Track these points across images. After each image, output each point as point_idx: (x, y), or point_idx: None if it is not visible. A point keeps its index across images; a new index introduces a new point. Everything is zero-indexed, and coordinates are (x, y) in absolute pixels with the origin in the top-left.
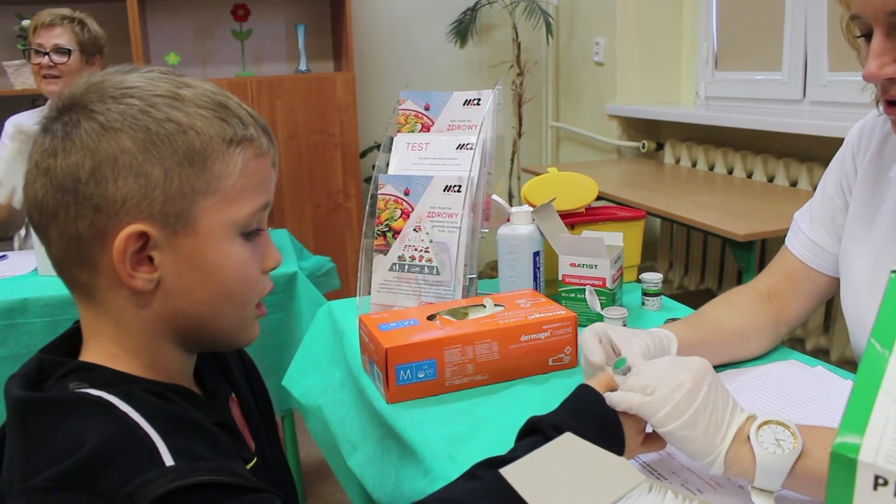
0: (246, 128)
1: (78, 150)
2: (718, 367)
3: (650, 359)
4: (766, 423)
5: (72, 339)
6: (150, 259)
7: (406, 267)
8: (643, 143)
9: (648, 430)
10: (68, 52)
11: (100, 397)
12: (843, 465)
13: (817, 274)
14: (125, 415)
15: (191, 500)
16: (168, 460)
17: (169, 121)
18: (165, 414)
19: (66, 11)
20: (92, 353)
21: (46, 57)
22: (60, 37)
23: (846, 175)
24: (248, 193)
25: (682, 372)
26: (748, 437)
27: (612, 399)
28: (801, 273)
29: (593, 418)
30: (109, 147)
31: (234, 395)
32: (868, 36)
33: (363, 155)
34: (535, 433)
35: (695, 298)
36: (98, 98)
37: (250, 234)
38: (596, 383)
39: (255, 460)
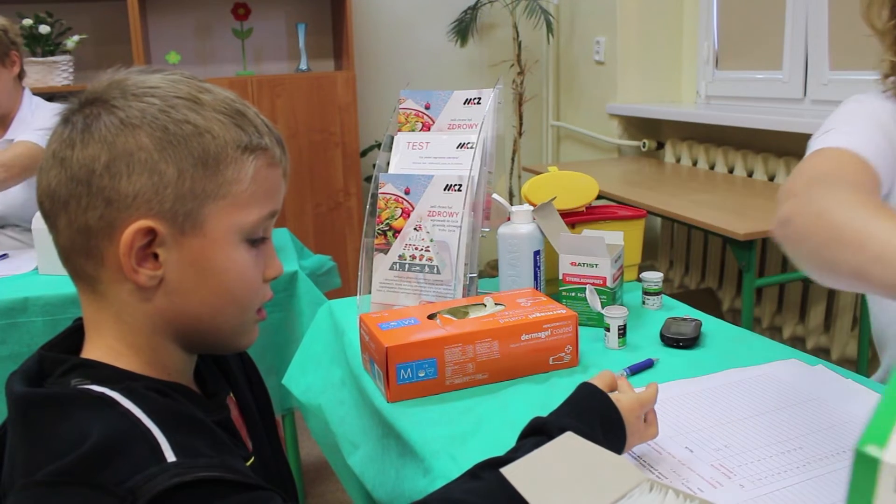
0: (261, 137)
1: (96, 142)
2: (718, 367)
3: None
4: None
5: (73, 336)
6: (156, 256)
7: (406, 266)
8: (644, 142)
9: None
10: None
11: (102, 393)
12: (866, 464)
13: (874, 170)
14: (127, 411)
15: (192, 496)
16: (170, 456)
17: (187, 122)
18: (167, 410)
19: None
20: (94, 349)
21: None
22: None
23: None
24: (256, 200)
25: None
26: None
27: None
28: (861, 164)
29: (599, 419)
30: (127, 142)
31: (232, 394)
32: None
33: (364, 154)
34: (540, 434)
35: (695, 297)
36: (120, 94)
37: (255, 242)
38: (598, 381)
39: (252, 459)
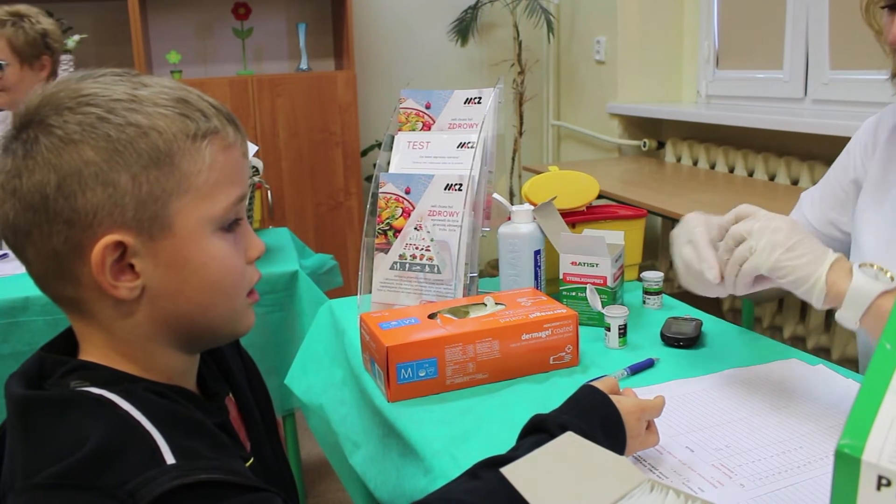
0: (209, 120)
1: (41, 167)
2: (718, 367)
3: None
4: (867, 263)
5: (71, 337)
6: (132, 266)
7: (407, 265)
8: (644, 142)
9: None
10: (1, 66)
11: (101, 395)
12: (847, 464)
13: None
14: (127, 413)
15: (192, 498)
16: (169, 458)
17: (129, 125)
18: (167, 412)
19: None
20: (90, 356)
21: None
22: None
23: (854, 167)
24: (220, 187)
25: (775, 219)
26: (850, 270)
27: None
28: None
29: (598, 418)
30: (72, 160)
31: (231, 394)
32: (893, 6)
33: (364, 153)
34: (539, 432)
35: (696, 297)
36: (53, 111)
37: (231, 226)
38: (601, 384)
39: (251, 460)
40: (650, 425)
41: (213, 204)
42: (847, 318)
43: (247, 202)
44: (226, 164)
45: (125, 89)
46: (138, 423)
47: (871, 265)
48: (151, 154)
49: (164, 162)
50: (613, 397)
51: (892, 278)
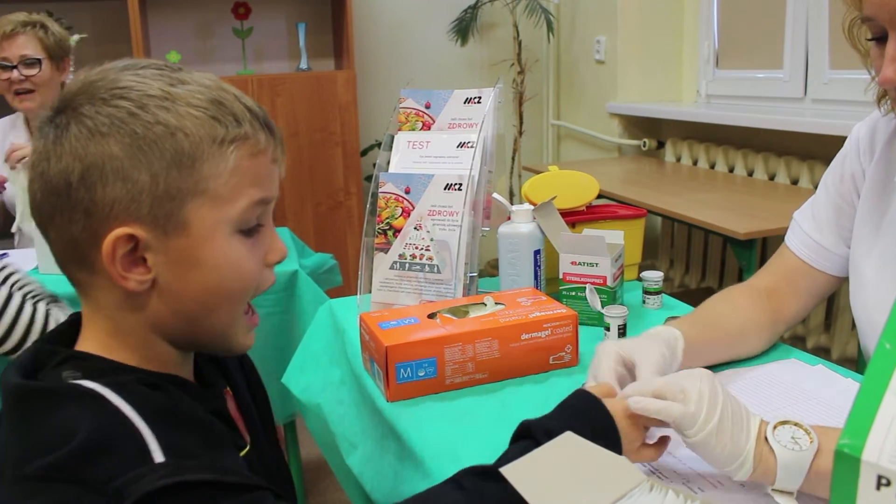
0: (240, 125)
1: (67, 155)
2: (719, 367)
3: (664, 369)
4: (781, 423)
5: (70, 329)
6: (145, 260)
7: (407, 265)
8: (644, 142)
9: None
10: (38, 62)
11: (91, 389)
12: (847, 463)
13: (818, 273)
14: (117, 409)
15: (180, 498)
16: (158, 456)
17: (157, 123)
18: (158, 407)
19: (24, 16)
20: (88, 343)
21: (15, 71)
22: (26, 46)
23: (853, 176)
24: (241, 191)
25: (695, 381)
26: (766, 439)
27: (652, 406)
28: (802, 272)
29: (589, 423)
30: (97, 152)
31: (229, 389)
32: (880, 39)
33: (364, 153)
34: (526, 438)
35: (696, 296)
36: (88, 100)
37: (250, 231)
38: (596, 389)
39: (247, 449)
40: (663, 441)
41: (231, 207)
42: (782, 494)
43: (272, 207)
44: (249, 169)
45: (161, 85)
46: (127, 418)
47: (785, 422)
48: (175, 155)
49: (185, 164)
50: (607, 401)
51: (809, 434)
